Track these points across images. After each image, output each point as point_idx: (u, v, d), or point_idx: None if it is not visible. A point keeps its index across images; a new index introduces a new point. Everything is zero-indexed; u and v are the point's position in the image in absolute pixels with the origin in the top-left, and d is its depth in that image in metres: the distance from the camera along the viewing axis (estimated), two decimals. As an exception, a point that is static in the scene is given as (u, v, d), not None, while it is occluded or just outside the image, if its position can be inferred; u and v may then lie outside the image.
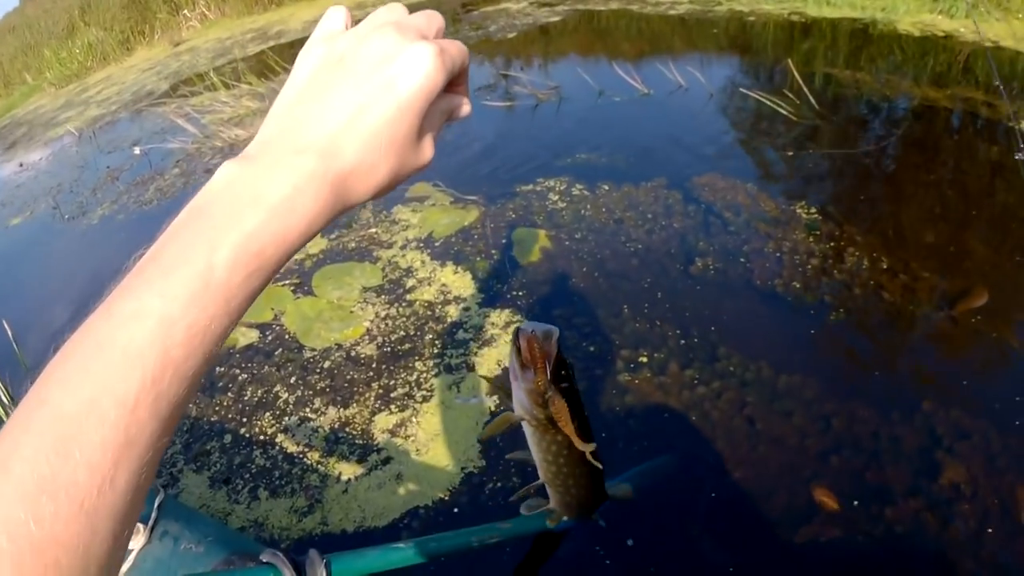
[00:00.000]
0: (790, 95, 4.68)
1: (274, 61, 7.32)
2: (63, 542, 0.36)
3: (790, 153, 4.17)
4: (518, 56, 6.48)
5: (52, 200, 7.04)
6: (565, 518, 1.67)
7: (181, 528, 1.74)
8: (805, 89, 4.65)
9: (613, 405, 2.60)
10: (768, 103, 4.64)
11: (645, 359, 2.77)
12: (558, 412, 1.08)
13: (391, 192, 0.54)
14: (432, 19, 0.55)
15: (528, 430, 1.14)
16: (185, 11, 12.96)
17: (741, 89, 4.97)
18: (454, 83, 0.57)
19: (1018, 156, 3.01)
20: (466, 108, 0.59)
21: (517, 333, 1.10)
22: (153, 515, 1.74)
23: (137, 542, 1.70)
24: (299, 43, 8.69)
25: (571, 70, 5.78)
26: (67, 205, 6.69)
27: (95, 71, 14.36)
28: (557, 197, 3.98)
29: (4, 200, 8.40)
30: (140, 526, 1.71)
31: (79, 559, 0.36)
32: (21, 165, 9.78)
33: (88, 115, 10.35)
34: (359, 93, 0.50)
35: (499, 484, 2.43)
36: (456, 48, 0.54)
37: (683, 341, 2.81)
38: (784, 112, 4.54)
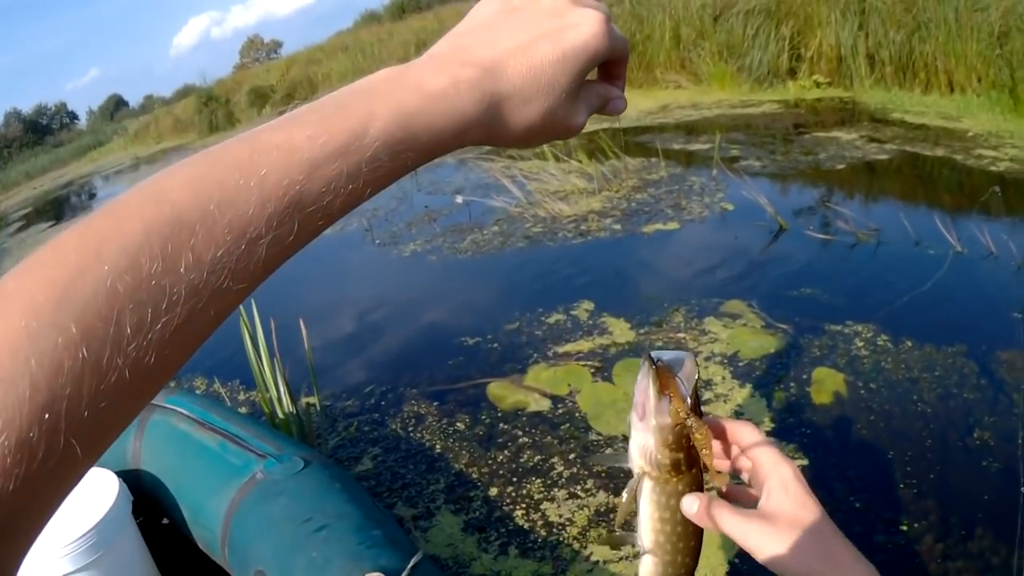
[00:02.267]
0: None
1: (606, 145, 7.93)
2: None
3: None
4: (843, 188, 6.71)
5: (366, 222, 8.06)
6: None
7: None
8: None
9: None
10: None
11: (905, 527, 2.95)
12: (703, 437, 0.96)
13: (558, 141, 0.64)
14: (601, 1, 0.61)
15: (645, 487, 1.00)
16: None
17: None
18: (613, 73, 0.64)
19: None
20: (621, 103, 0.64)
21: (650, 357, 0.98)
22: (407, 571, 1.99)
23: None
24: (632, 131, 9.43)
25: (892, 214, 5.92)
26: (380, 231, 7.66)
27: None
28: (862, 344, 4.20)
29: None
30: None
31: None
32: None
33: None
34: (530, 31, 0.56)
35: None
36: (620, 33, 0.60)
37: (942, 517, 2.97)
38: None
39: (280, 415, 3.96)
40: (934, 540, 2.86)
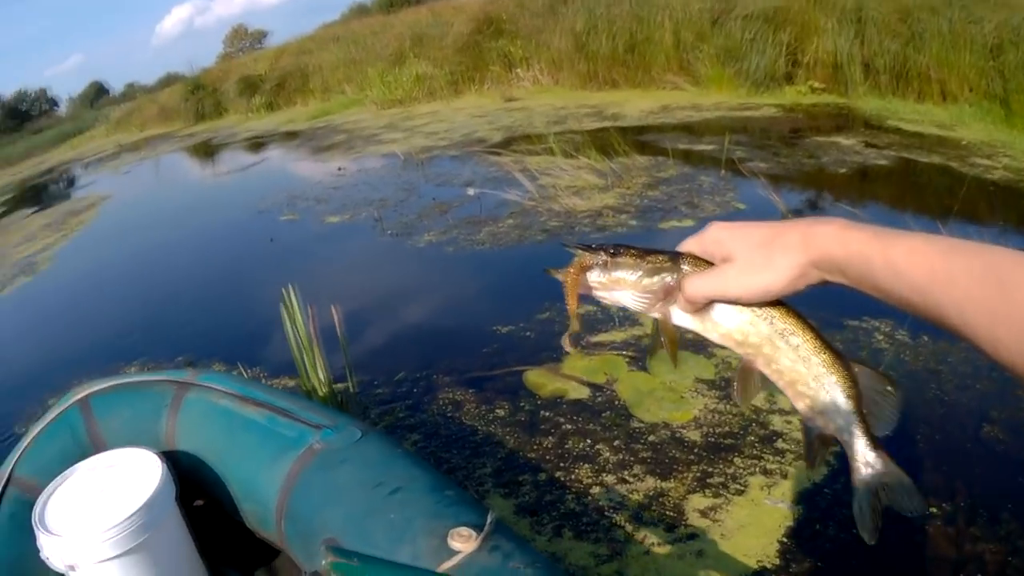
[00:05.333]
0: None
1: (616, 142, 8.04)
2: None
3: None
4: (847, 191, 6.81)
5: (375, 212, 8.13)
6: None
7: (512, 548, 1.94)
8: None
9: (901, 544, 2.87)
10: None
11: (935, 510, 3.01)
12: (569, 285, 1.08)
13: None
14: None
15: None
16: (519, 70, 14.23)
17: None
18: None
19: None
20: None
21: (608, 250, 1.05)
22: (487, 528, 1.95)
23: (468, 547, 1.91)
24: (635, 130, 9.53)
25: (896, 216, 6.03)
26: (390, 221, 7.72)
27: (420, 103, 16.10)
28: (882, 338, 4.29)
29: (321, 197, 9.74)
30: (472, 532, 1.93)
31: None
32: (340, 169, 11.20)
33: (414, 143, 11.71)
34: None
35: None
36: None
37: (968, 502, 3.05)
38: None
39: (319, 399, 3.94)
40: (961, 524, 2.92)
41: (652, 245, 1.03)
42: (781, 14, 10.88)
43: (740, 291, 0.93)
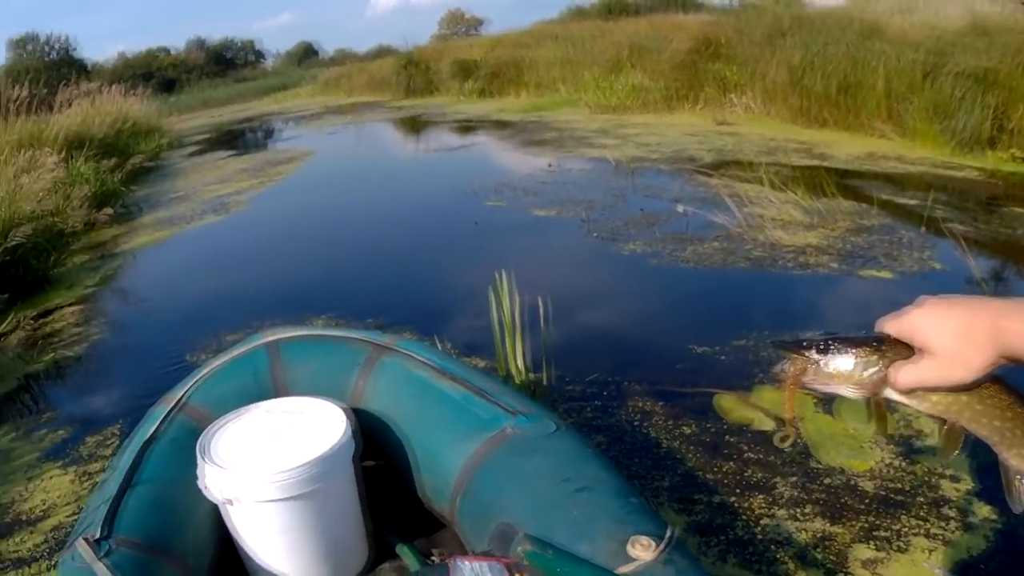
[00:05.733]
0: None
1: (825, 183, 8.23)
2: None
3: None
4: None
5: (583, 213, 8.54)
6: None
7: (687, 565, 1.95)
8: None
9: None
10: None
11: None
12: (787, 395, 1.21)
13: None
14: None
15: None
16: (732, 95, 14.42)
17: None
18: None
19: None
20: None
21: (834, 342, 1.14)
22: (666, 541, 1.96)
23: (647, 555, 1.92)
24: (841, 172, 9.62)
25: None
26: (596, 224, 8.11)
27: (634, 113, 16.41)
28: None
29: (529, 189, 10.23)
30: (652, 543, 1.94)
31: None
32: (550, 165, 11.64)
33: (626, 152, 12.06)
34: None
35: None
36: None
37: None
38: None
39: (514, 386, 4.03)
40: None
41: (854, 333, 1.15)
42: (991, 75, 10.74)
43: (940, 383, 1.05)
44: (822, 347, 1.13)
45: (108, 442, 4.73)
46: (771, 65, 13.46)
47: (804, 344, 1.16)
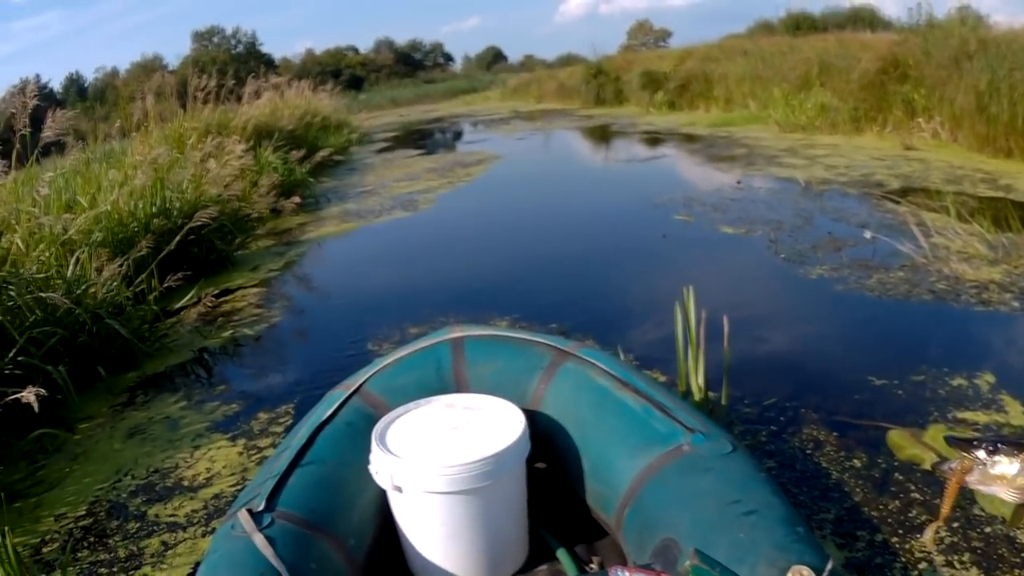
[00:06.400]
0: None
1: (1010, 216, 8.09)
2: None
3: None
4: None
5: (770, 233, 8.68)
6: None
7: None
8: None
9: None
10: None
11: None
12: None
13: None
14: None
15: None
16: (920, 120, 14.13)
17: None
18: None
19: None
20: None
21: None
22: (826, 574, 1.91)
23: None
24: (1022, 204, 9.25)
25: None
26: (783, 244, 8.22)
27: (821, 133, 16.30)
28: None
29: (717, 205, 10.36)
30: (811, 573, 1.88)
31: None
32: (739, 182, 11.78)
33: (814, 173, 12.08)
34: None
35: None
36: None
37: None
38: None
39: (692, 402, 3.98)
40: None
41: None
42: None
43: None
44: (991, 449, 1.18)
45: (280, 420, 4.92)
46: (958, 90, 13.09)
47: (974, 443, 1.20)
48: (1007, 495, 1.17)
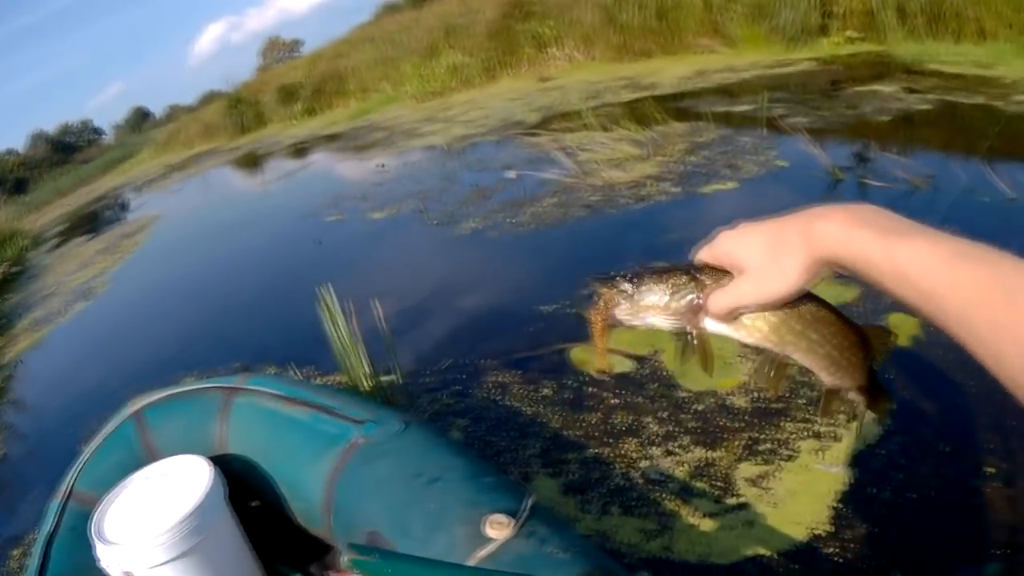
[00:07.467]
0: None
1: (654, 111, 8.00)
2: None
3: None
4: (890, 139, 6.63)
5: (420, 204, 8.14)
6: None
7: (549, 532, 1.92)
8: None
9: (957, 506, 2.77)
10: None
11: (993, 470, 2.86)
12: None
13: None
14: None
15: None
16: (553, 49, 14.18)
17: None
18: None
19: None
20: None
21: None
22: (524, 513, 1.93)
23: (503, 534, 1.88)
24: (672, 97, 9.44)
25: (942, 162, 5.86)
26: (433, 212, 7.72)
27: (457, 92, 16.13)
28: None
29: (365, 194, 9.80)
30: (507, 519, 1.90)
31: None
32: (382, 166, 11.24)
33: (453, 133, 11.75)
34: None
35: (846, 555, 2.62)
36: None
37: None
38: None
39: (366, 392, 4.00)
40: (1019, 485, 2.76)
41: (674, 261, 1.08)
42: (808, -37, 10.65)
43: (758, 300, 0.96)
44: (632, 278, 1.07)
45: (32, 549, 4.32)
46: (585, 10, 13.31)
47: (616, 277, 1.08)
48: (664, 322, 1.06)
